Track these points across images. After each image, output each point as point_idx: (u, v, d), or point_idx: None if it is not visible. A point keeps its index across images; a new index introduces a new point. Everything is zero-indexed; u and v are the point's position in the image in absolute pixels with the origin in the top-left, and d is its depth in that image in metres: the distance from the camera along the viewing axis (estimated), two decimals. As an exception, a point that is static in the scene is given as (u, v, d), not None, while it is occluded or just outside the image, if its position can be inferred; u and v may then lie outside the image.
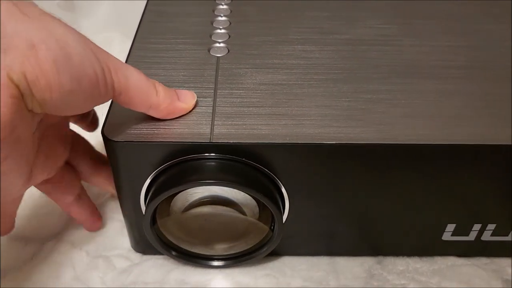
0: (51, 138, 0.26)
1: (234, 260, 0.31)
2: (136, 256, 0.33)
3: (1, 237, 0.33)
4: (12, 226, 0.28)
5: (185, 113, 0.26)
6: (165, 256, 0.32)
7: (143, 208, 0.29)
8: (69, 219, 0.35)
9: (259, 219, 0.29)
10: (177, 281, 0.31)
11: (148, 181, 0.27)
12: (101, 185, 0.33)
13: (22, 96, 0.19)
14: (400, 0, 0.37)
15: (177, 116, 0.26)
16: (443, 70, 0.30)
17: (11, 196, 0.23)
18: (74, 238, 0.34)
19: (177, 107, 0.26)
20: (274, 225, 0.29)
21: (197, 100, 0.27)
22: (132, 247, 0.33)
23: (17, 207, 0.27)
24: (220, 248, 0.31)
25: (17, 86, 0.19)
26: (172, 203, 0.29)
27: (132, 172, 0.27)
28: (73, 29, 0.21)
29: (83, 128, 0.33)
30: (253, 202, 0.29)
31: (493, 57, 0.31)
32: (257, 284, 0.31)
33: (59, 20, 0.21)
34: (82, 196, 0.32)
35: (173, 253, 0.31)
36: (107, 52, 0.23)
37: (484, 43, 0.33)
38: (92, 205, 0.33)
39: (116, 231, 0.34)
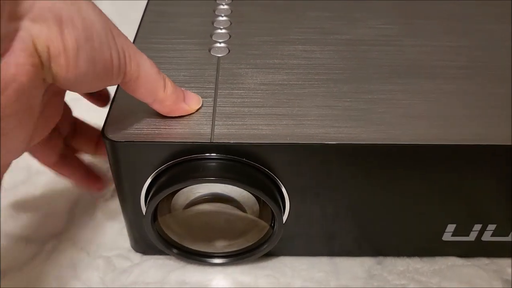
0: (51, 104, 0.26)
1: (235, 257, 0.31)
2: (136, 256, 0.33)
3: (2, 237, 0.33)
4: None
5: (186, 114, 0.27)
6: (166, 256, 0.32)
7: (143, 208, 0.29)
8: (69, 219, 0.35)
9: (259, 216, 0.29)
10: (178, 281, 0.31)
11: (148, 181, 0.27)
12: (80, 146, 0.33)
13: (42, 67, 0.19)
14: (401, 0, 0.37)
15: (178, 115, 0.26)
16: (443, 70, 0.30)
17: (10, 159, 0.23)
18: (75, 238, 0.34)
19: (181, 107, 0.26)
20: (274, 222, 0.29)
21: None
22: (132, 247, 0.33)
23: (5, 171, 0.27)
24: (221, 246, 0.31)
25: (40, 56, 0.19)
26: (173, 201, 0.29)
27: (132, 172, 0.27)
28: (98, 8, 0.21)
29: (92, 103, 0.33)
30: (253, 200, 0.29)
31: (494, 57, 0.31)
32: (257, 284, 0.31)
33: (90, 0, 0.21)
34: (68, 156, 0.32)
35: (174, 250, 0.30)
36: (126, 37, 0.23)
37: (484, 43, 0.33)
38: (84, 165, 0.33)
39: (116, 231, 0.34)
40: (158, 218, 0.29)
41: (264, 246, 0.30)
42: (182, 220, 0.30)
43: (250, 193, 0.28)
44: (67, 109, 0.32)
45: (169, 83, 0.25)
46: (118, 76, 0.23)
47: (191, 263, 0.32)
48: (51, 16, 0.19)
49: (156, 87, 0.25)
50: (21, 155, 0.23)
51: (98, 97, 0.33)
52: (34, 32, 0.18)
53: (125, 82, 0.24)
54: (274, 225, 0.29)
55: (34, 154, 0.30)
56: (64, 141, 0.31)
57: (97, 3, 0.21)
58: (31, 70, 0.19)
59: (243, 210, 0.29)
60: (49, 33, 0.19)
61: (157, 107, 0.26)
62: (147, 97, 0.25)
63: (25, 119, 0.21)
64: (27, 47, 0.18)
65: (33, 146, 0.29)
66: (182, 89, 0.27)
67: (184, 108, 0.26)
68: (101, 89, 0.24)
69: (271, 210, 0.27)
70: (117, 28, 0.22)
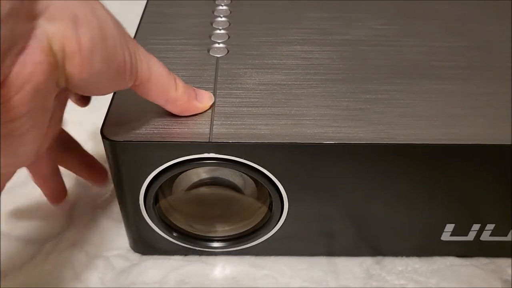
0: (57, 111, 0.26)
1: (234, 241, 0.31)
2: (136, 256, 0.33)
3: (2, 237, 0.33)
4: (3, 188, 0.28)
5: (200, 112, 0.27)
6: (165, 257, 0.32)
7: (143, 208, 0.29)
8: (69, 219, 0.35)
9: (257, 199, 0.30)
10: (177, 281, 0.31)
11: (147, 181, 0.27)
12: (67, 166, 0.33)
13: (56, 67, 0.19)
14: (399, 1, 0.37)
15: (192, 114, 0.26)
16: (442, 70, 0.30)
17: (22, 165, 0.23)
18: (74, 239, 0.34)
19: (194, 106, 0.26)
20: (271, 205, 0.29)
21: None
22: (131, 247, 0.33)
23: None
24: (221, 230, 0.32)
25: (55, 55, 0.19)
26: (174, 186, 0.30)
27: (131, 172, 0.27)
28: (108, 10, 0.21)
29: (74, 102, 0.32)
30: (252, 184, 0.29)
31: (493, 57, 0.31)
32: (256, 284, 0.31)
33: (100, 1, 0.21)
34: (69, 148, 0.32)
35: (174, 234, 0.31)
36: (135, 41, 0.23)
37: (484, 44, 0.33)
38: (87, 157, 0.33)
39: (116, 231, 0.34)
40: (159, 201, 0.29)
41: (263, 230, 0.30)
42: (182, 202, 0.31)
43: (248, 175, 0.28)
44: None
45: (180, 83, 0.25)
46: (131, 78, 0.23)
47: (191, 249, 0.32)
48: (67, 16, 0.19)
49: (167, 87, 0.25)
50: (30, 162, 0.23)
51: (80, 96, 0.32)
52: (50, 31, 0.18)
53: (136, 85, 0.24)
54: (272, 207, 0.29)
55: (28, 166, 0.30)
56: (66, 132, 0.31)
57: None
58: (47, 69, 0.19)
59: (242, 193, 0.30)
60: (65, 32, 0.19)
61: (170, 107, 0.26)
62: (160, 98, 0.25)
63: (39, 121, 0.20)
64: (43, 46, 0.18)
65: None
66: (193, 87, 0.27)
67: (197, 106, 0.26)
68: (112, 92, 0.23)
69: (268, 193, 0.28)
70: (127, 32, 0.22)
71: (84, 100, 0.32)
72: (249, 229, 0.31)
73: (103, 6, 0.21)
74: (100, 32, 0.20)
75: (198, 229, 0.31)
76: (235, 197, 0.31)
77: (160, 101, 0.25)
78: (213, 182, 0.31)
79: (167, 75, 0.25)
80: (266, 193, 0.29)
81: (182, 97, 0.25)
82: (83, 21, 0.19)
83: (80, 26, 0.19)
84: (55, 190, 0.33)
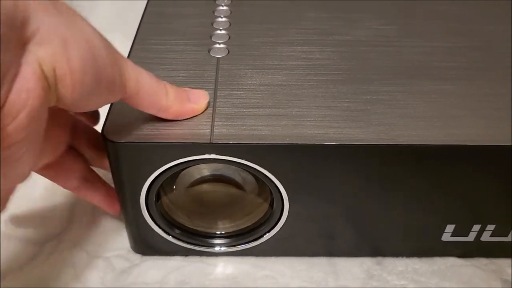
0: (50, 124, 0.26)
1: (236, 238, 0.31)
2: (136, 257, 0.33)
3: (2, 237, 0.33)
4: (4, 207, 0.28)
5: (197, 113, 0.27)
6: (165, 257, 0.32)
7: (143, 208, 0.29)
8: (69, 219, 0.35)
9: (258, 195, 0.30)
10: (177, 282, 0.31)
11: (148, 182, 0.27)
12: (106, 167, 0.32)
13: (49, 89, 0.19)
14: (399, 1, 0.37)
15: (189, 116, 0.26)
16: (443, 71, 0.30)
17: (17, 183, 0.23)
18: (75, 239, 0.34)
19: (188, 109, 0.26)
20: (272, 202, 0.29)
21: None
22: (132, 248, 0.33)
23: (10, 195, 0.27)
24: (222, 227, 0.32)
25: (47, 79, 0.19)
26: (175, 183, 0.30)
27: (132, 173, 0.27)
28: (95, 28, 0.22)
29: (84, 121, 0.33)
30: (253, 180, 0.30)
31: (493, 57, 0.31)
32: (256, 285, 0.31)
33: (86, 20, 0.21)
34: (90, 179, 0.31)
35: (176, 231, 0.31)
36: (121, 54, 0.23)
37: (484, 44, 0.33)
38: (106, 186, 0.32)
39: (116, 232, 0.34)
40: (161, 197, 0.30)
41: (264, 226, 0.30)
42: (184, 199, 0.31)
43: (249, 172, 0.28)
44: (86, 131, 0.31)
45: (170, 90, 0.25)
46: (120, 93, 0.23)
47: (191, 249, 0.32)
48: (56, 38, 0.19)
49: (157, 98, 0.25)
50: (25, 178, 0.23)
51: (91, 114, 0.32)
52: (40, 55, 0.18)
53: (126, 98, 0.24)
54: (273, 204, 0.29)
55: (53, 179, 0.30)
56: (84, 164, 0.31)
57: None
58: (42, 94, 0.19)
59: (243, 190, 0.30)
60: (55, 55, 0.19)
61: (164, 115, 0.26)
62: (151, 109, 0.25)
63: (33, 144, 0.21)
64: (35, 71, 0.18)
65: (47, 171, 0.29)
66: (186, 88, 0.27)
67: (192, 108, 0.26)
68: (101, 106, 0.24)
69: (269, 190, 0.28)
70: (113, 47, 0.23)
71: (94, 118, 0.32)
72: (250, 227, 0.31)
73: (90, 26, 0.21)
74: (89, 52, 0.20)
75: (199, 225, 0.32)
76: (237, 193, 0.31)
77: (152, 111, 0.25)
78: (215, 179, 0.31)
79: (157, 85, 0.25)
80: (267, 189, 0.29)
81: (173, 103, 0.25)
82: (72, 43, 0.19)
83: (70, 48, 0.19)
84: (102, 198, 0.32)
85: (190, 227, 0.31)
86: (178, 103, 0.26)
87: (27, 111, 0.18)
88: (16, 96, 0.18)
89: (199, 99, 0.27)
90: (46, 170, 0.29)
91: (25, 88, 0.18)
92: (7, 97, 0.18)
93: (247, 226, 0.31)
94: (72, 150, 0.30)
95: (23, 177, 0.22)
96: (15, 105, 0.18)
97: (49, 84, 0.19)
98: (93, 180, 0.32)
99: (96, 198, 0.32)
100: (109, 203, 0.32)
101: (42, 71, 0.19)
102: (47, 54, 0.19)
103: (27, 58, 0.18)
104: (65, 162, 0.30)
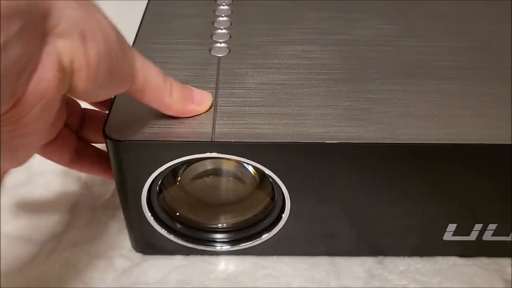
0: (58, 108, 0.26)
1: (237, 232, 0.31)
2: (137, 256, 0.33)
3: (2, 237, 0.33)
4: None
5: (198, 114, 0.27)
6: (166, 256, 0.32)
7: (144, 207, 0.29)
8: (70, 219, 0.35)
9: (260, 188, 0.30)
10: (178, 281, 0.31)
11: (149, 180, 0.27)
12: (91, 136, 0.32)
13: (65, 82, 0.20)
14: (400, 1, 0.37)
15: (191, 116, 0.27)
16: (443, 70, 0.30)
17: (15, 166, 0.23)
18: (75, 238, 0.34)
19: (190, 109, 0.26)
20: (274, 195, 0.29)
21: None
22: (133, 247, 0.33)
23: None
24: (223, 222, 0.32)
25: (64, 71, 0.19)
26: (178, 176, 0.30)
27: (133, 172, 0.27)
28: (111, 20, 0.22)
29: (96, 107, 0.32)
30: (250, 175, 0.30)
31: (493, 57, 0.32)
32: (258, 284, 0.31)
33: (102, 12, 0.21)
34: (83, 151, 0.31)
35: (178, 225, 0.31)
36: (134, 49, 0.23)
37: (484, 44, 0.33)
38: (101, 154, 0.32)
39: (117, 231, 0.34)
40: (163, 191, 0.30)
41: (266, 221, 0.30)
42: (187, 193, 0.31)
43: (250, 164, 0.28)
44: (74, 104, 0.31)
45: (175, 88, 0.25)
46: (127, 86, 0.23)
47: (193, 248, 0.32)
48: (76, 31, 0.19)
49: (161, 94, 0.25)
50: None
51: (103, 102, 0.32)
52: (60, 47, 0.19)
53: (131, 91, 0.24)
54: (274, 198, 0.29)
55: (47, 155, 0.30)
56: (76, 137, 0.31)
57: (97, 3, 0.21)
58: (58, 85, 0.19)
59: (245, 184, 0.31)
60: (74, 48, 0.19)
61: (166, 112, 0.26)
62: (154, 103, 0.25)
63: (44, 132, 0.21)
64: (54, 62, 0.19)
65: (45, 148, 0.29)
66: (192, 88, 0.27)
67: (194, 110, 0.27)
68: (110, 97, 0.24)
69: (271, 183, 0.28)
70: (125, 39, 0.23)
71: (103, 105, 0.32)
72: (251, 220, 0.31)
73: (106, 18, 0.21)
74: (105, 45, 0.20)
75: (201, 218, 0.32)
76: (239, 187, 0.31)
77: (155, 106, 0.25)
78: (217, 172, 0.31)
79: (163, 82, 0.25)
80: (269, 184, 0.29)
81: (176, 102, 0.26)
82: (90, 36, 0.20)
83: (88, 42, 0.19)
84: (98, 167, 0.31)
85: (192, 219, 0.31)
86: (182, 102, 0.26)
87: (45, 101, 0.19)
88: (36, 85, 0.18)
89: (203, 101, 0.27)
90: (41, 148, 0.29)
91: (45, 78, 0.18)
92: (27, 86, 0.18)
93: (249, 219, 0.31)
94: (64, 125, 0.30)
95: (24, 162, 0.22)
96: (34, 94, 0.18)
97: (65, 75, 0.19)
98: (85, 151, 0.31)
99: (93, 169, 0.32)
100: (106, 170, 0.32)
101: (61, 62, 0.19)
102: (66, 47, 0.19)
103: (47, 49, 0.18)
104: (59, 139, 0.29)
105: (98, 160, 0.32)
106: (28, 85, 0.18)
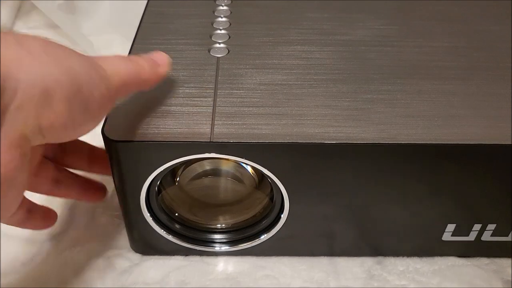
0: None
1: (236, 232, 0.31)
2: (136, 257, 0.33)
3: (2, 237, 0.33)
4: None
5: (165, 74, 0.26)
6: (165, 257, 0.32)
7: (143, 208, 0.29)
8: (69, 219, 0.35)
9: (259, 188, 0.30)
10: (177, 282, 0.31)
11: (148, 181, 0.27)
12: (72, 164, 0.31)
13: (29, 150, 0.19)
14: (399, 1, 0.37)
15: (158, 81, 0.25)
16: (442, 71, 0.30)
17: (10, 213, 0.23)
18: (75, 239, 0.34)
19: (159, 74, 0.25)
20: (272, 196, 0.29)
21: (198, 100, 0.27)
22: (132, 247, 0.33)
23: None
24: (223, 222, 0.32)
25: (28, 140, 0.18)
26: (177, 176, 0.31)
27: (132, 172, 0.27)
28: (68, 47, 0.20)
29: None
30: (249, 175, 0.30)
31: (493, 57, 0.31)
32: (257, 285, 0.31)
33: (56, 43, 0.20)
34: (62, 179, 0.30)
35: (177, 226, 0.31)
36: (97, 58, 0.22)
37: (484, 44, 0.33)
38: (80, 180, 0.31)
39: (116, 231, 0.34)
40: (162, 191, 0.30)
41: (265, 221, 0.30)
42: (186, 194, 0.31)
43: (249, 165, 0.28)
44: (78, 145, 0.31)
45: (144, 63, 0.24)
46: (112, 100, 0.23)
47: (192, 249, 0.32)
48: (36, 92, 0.18)
49: (137, 75, 0.24)
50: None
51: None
52: (20, 119, 0.17)
53: (114, 96, 0.23)
54: (273, 198, 0.29)
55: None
56: (54, 167, 0.30)
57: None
58: (21, 160, 0.18)
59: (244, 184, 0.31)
60: (38, 112, 0.18)
61: (145, 88, 0.25)
62: (139, 88, 0.25)
63: (20, 191, 0.21)
64: (13, 141, 0.18)
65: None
66: (144, 55, 0.25)
67: (164, 72, 0.26)
68: (104, 115, 0.23)
69: (270, 184, 0.28)
70: (87, 55, 0.21)
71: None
72: (250, 220, 0.31)
73: (61, 47, 0.20)
74: (73, 85, 0.19)
75: (200, 218, 0.32)
76: (238, 187, 0.31)
77: (137, 89, 0.25)
78: (216, 173, 0.31)
79: (133, 69, 0.24)
80: (268, 185, 0.29)
81: (150, 73, 0.24)
82: (54, 87, 0.18)
83: (54, 94, 0.18)
84: (78, 192, 0.31)
85: (191, 219, 0.31)
86: (153, 72, 0.25)
87: (8, 182, 0.18)
88: None
89: (163, 59, 0.26)
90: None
91: (3, 164, 0.17)
92: None
93: (248, 220, 0.31)
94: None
95: (17, 204, 0.22)
96: None
97: (29, 141, 0.18)
98: (64, 179, 0.30)
99: (72, 195, 0.31)
100: (87, 195, 0.32)
101: (24, 136, 0.18)
102: (28, 117, 0.18)
103: (4, 130, 0.17)
104: (36, 171, 0.28)
105: (77, 186, 0.31)
106: None
